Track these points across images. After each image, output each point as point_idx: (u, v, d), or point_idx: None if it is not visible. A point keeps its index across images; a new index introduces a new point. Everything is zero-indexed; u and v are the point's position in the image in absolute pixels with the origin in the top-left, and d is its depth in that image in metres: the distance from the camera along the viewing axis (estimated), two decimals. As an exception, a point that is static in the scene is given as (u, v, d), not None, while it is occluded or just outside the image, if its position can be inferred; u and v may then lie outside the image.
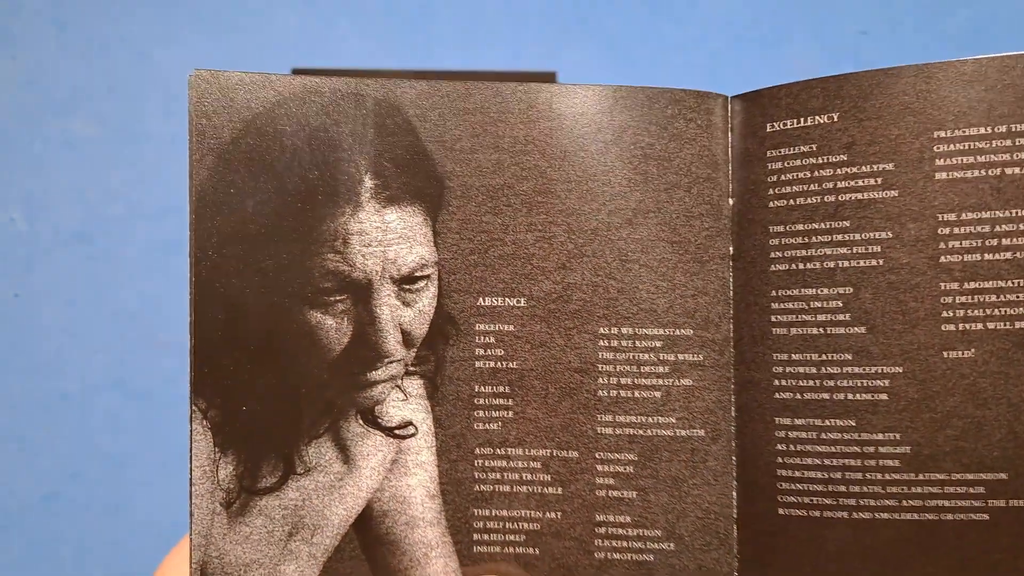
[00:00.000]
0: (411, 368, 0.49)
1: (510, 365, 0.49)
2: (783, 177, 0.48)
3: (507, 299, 0.49)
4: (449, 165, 0.49)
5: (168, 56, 0.70)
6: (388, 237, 0.47)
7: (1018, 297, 0.45)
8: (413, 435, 0.49)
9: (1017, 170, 0.45)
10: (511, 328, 0.49)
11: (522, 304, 0.49)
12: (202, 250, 0.48)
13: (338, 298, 0.47)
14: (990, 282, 0.45)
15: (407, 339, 0.48)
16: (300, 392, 0.48)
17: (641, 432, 0.48)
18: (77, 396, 0.70)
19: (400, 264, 0.47)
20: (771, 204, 0.48)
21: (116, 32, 0.70)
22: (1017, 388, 0.45)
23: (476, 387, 0.49)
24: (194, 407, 0.47)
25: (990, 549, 0.45)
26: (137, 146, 0.70)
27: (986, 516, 0.45)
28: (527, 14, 0.70)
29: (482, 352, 0.49)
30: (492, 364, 0.49)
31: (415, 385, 0.49)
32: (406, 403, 0.49)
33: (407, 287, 0.48)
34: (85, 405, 0.69)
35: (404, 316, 0.48)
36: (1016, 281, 0.45)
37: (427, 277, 0.48)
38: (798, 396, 0.47)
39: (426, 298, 0.48)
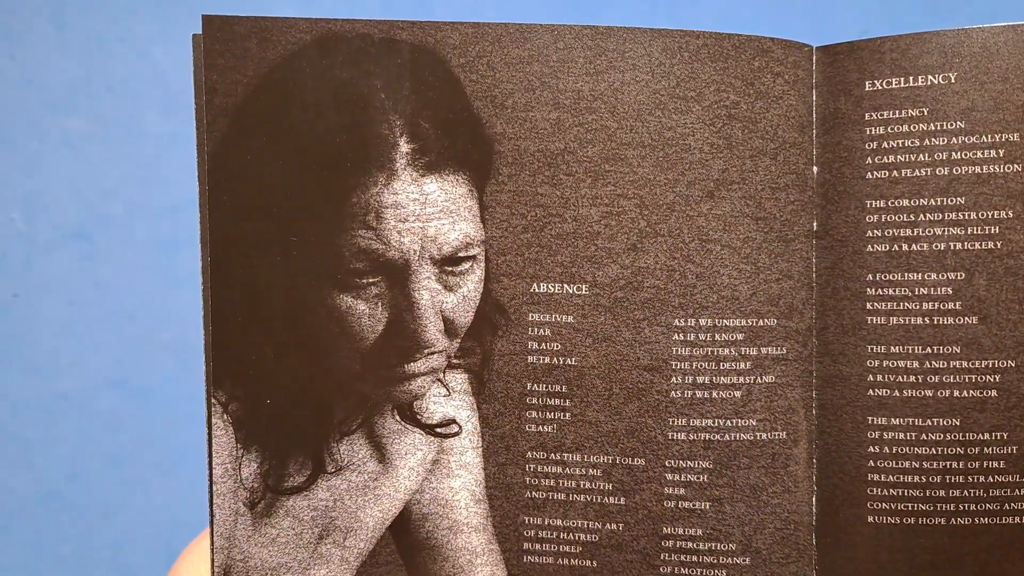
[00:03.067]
0: (454, 361, 0.43)
1: (568, 361, 0.42)
2: (885, 144, 0.41)
3: (566, 285, 0.42)
4: (499, 126, 0.41)
5: (168, 55, 0.68)
6: (427, 211, 0.40)
7: None
8: (456, 434, 0.43)
9: None
10: (570, 319, 0.42)
11: (584, 291, 0.42)
12: (216, 226, 0.41)
13: (371, 280, 0.40)
14: (1120, 269, 0.40)
15: (449, 328, 0.42)
16: (330, 384, 0.42)
17: (718, 437, 0.42)
18: (77, 396, 0.68)
19: (441, 242, 0.41)
20: (869, 175, 0.42)
21: (115, 31, 0.68)
22: None
23: (528, 385, 0.43)
24: (213, 400, 0.42)
25: (1097, 559, 0.41)
26: (136, 145, 0.68)
27: None
28: None
29: (536, 346, 0.42)
30: (547, 360, 0.42)
31: (459, 380, 0.43)
32: (449, 399, 0.43)
33: (449, 269, 0.41)
34: (85, 405, 0.68)
35: (446, 302, 0.41)
36: None
37: (472, 258, 0.42)
38: (896, 393, 0.42)
39: (471, 282, 0.42)
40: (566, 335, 0.42)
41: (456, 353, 0.42)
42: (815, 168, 0.43)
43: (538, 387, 0.42)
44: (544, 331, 0.42)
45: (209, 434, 0.42)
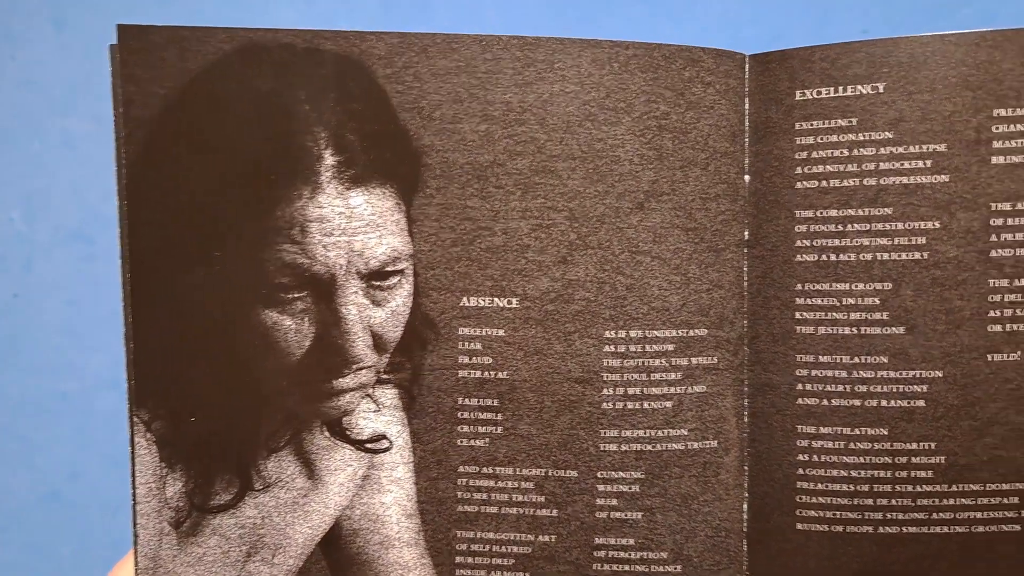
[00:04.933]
0: (384, 376, 0.42)
1: (499, 375, 0.42)
2: (815, 154, 0.41)
3: (496, 299, 0.42)
4: (427, 138, 0.41)
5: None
6: (353, 225, 0.40)
7: (1071, 295, 0.40)
8: (387, 449, 0.43)
9: (1082, 154, 0.39)
10: (501, 333, 0.42)
11: (514, 305, 0.42)
12: (136, 241, 0.40)
13: (297, 295, 0.40)
14: (1043, 279, 0.40)
15: (378, 343, 0.41)
16: (256, 401, 0.41)
17: (649, 447, 0.42)
18: (77, 396, 0.68)
19: (368, 257, 0.40)
20: (799, 185, 0.42)
21: (115, 31, 0.66)
22: (1062, 393, 0.41)
23: (459, 399, 0.42)
24: (136, 419, 0.41)
25: (1021, 561, 0.41)
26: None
27: (1018, 527, 0.41)
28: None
29: (466, 360, 0.42)
30: (478, 374, 0.42)
31: (389, 395, 0.43)
32: (378, 414, 0.43)
33: (377, 283, 0.40)
34: (85, 405, 0.68)
35: (374, 317, 0.41)
36: (1071, 277, 0.40)
37: (400, 272, 0.41)
38: (824, 402, 0.42)
39: (400, 297, 0.41)
40: (497, 349, 0.42)
41: (385, 368, 0.42)
42: (747, 177, 0.43)
43: (469, 401, 0.42)
44: (475, 345, 0.42)
45: (132, 454, 0.41)
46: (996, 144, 0.40)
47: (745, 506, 0.43)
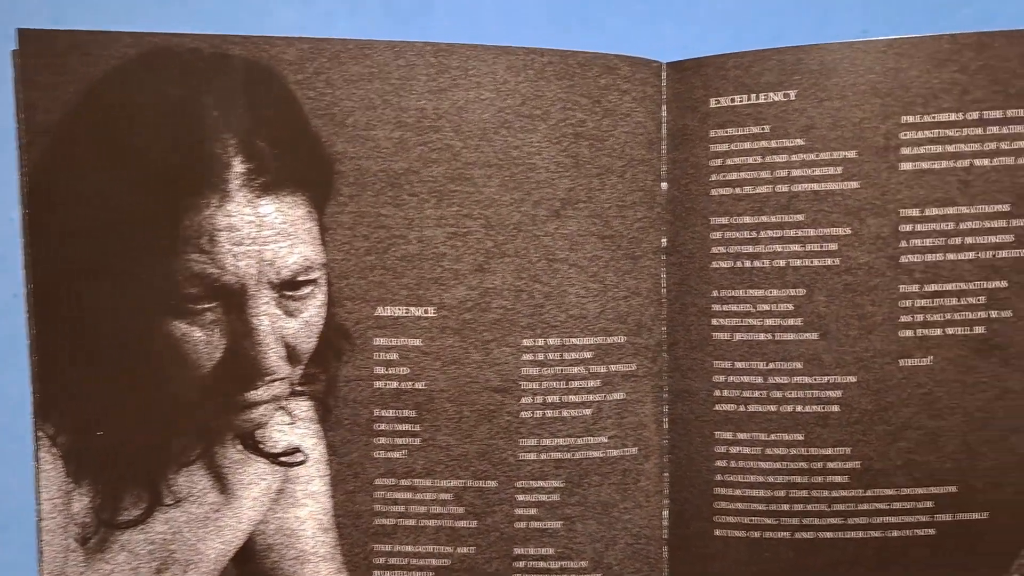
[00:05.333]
0: (298, 388, 0.41)
1: (416, 386, 0.41)
2: (729, 162, 0.41)
3: (412, 308, 0.41)
4: (339, 145, 0.40)
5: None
6: (264, 234, 0.39)
7: (978, 300, 0.41)
8: (302, 463, 0.42)
9: (986, 161, 0.40)
10: (417, 343, 0.41)
11: (431, 314, 0.41)
12: (39, 250, 0.39)
13: (207, 306, 0.39)
14: (951, 284, 0.41)
15: (292, 354, 0.40)
16: (166, 414, 0.40)
17: (569, 456, 0.42)
18: None
19: (279, 266, 0.39)
20: (714, 192, 0.42)
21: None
22: (972, 397, 0.41)
23: (376, 411, 0.41)
24: (40, 433, 0.40)
25: (934, 564, 0.42)
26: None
27: (932, 531, 0.42)
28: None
29: (382, 371, 0.41)
30: (395, 385, 0.41)
31: (303, 407, 0.42)
32: (293, 427, 0.42)
33: (289, 293, 0.40)
34: None
35: (287, 328, 0.40)
36: (977, 283, 0.41)
37: (313, 282, 0.40)
38: (741, 408, 0.42)
39: (313, 307, 0.40)
40: (414, 359, 0.41)
41: (299, 380, 0.41)
42: (664, 184, 0.43)
43: (386, 412, 0.41)
44: (391, 355, 0.41)
45: (36, 469, 0.40)
46: (904, 151, 0.40)
47: (665, 513, 0.43)
